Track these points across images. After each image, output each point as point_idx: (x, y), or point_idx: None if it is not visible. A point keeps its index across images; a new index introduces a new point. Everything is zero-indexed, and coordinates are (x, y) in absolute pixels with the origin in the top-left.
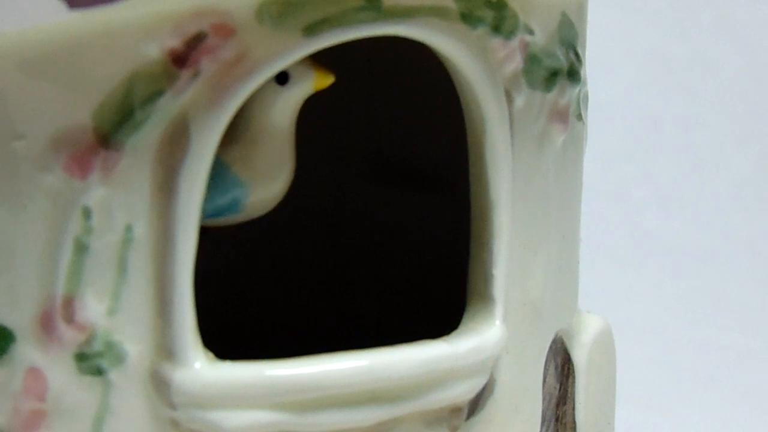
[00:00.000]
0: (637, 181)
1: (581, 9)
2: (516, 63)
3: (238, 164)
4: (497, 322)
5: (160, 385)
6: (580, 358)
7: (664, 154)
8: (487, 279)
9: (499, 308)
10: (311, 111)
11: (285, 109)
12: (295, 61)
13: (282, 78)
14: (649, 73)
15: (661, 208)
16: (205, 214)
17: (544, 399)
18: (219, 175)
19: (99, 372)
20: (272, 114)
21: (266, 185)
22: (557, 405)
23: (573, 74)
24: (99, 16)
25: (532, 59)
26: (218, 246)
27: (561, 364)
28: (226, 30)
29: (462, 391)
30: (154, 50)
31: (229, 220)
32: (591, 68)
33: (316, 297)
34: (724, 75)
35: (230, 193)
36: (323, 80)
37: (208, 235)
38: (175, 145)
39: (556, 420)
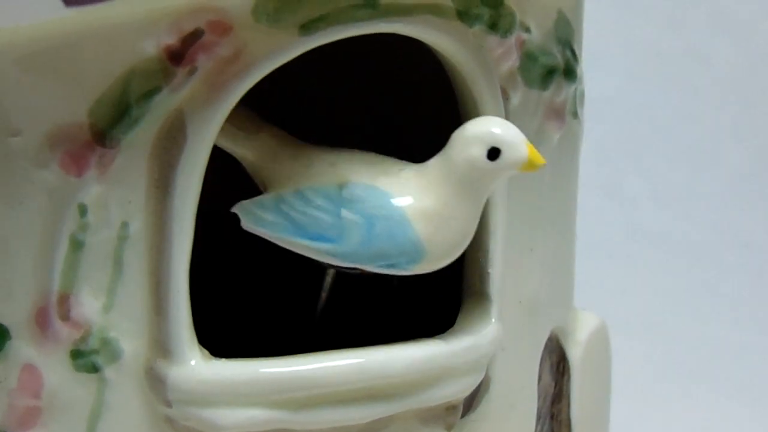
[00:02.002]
0: (631, 176)
1: (577, 7)
2: (512, 61)
3: (422, 224)
4: (493, 320)
5: (155, 382)
6: (575, 355)
7: (659, 149)
8: (482, 277)
9: (494, 306)
10: (310, 110)
11: (489, 184)
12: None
13: (493, 154)
14: (643, 68)
15: (656, 203)
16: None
17: (539, 397)
18: (400, 227)
19: (94, 369)
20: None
21: (443, 251)
22: (552, 402)
23: (569, 72)
24: (95, 13)
25: (528, 57)
26: (214, 243)
27: (556, 362)
28: (222, 27)
29: (457, 389)
30: (151, 47)
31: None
32: (585, 62)
33: (311, 295)
34: (719, 69)
35: (406, 252)
36: (534, 162)
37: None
38: (171, 142)
39: (551, 417)
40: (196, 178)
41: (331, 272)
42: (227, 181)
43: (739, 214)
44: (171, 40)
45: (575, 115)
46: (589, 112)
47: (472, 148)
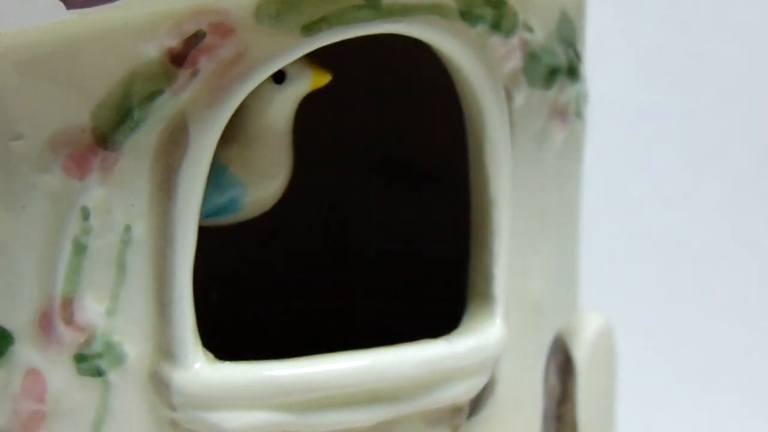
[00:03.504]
0: (635, 177)
1: (580, 7)
2: (515, 61)
3: (236, 164)
4: (498, 321)
5: (159, 386)
6: (580, 356)
7: (663, 151)
8: (487, 278)
9: (499, 307)
10: (310, 111)
11: (282, 109)
12: (292, 61)
13: (279, 77)
14: (645, 69)
15: (660, 203)
16: (204, 214)
17: (544, 398)
18: (217, 174)
19: (98, 373)
20: (269, 113)
21: (264, 184)
22: (558, 404)
23: (572, 72)
24: (97, 15)
25: (531, 57)
26: (218, 246)
27: (561, 363)
28: (224, 29)
29: (463, 391)
30: (153, 50)
31: (228, 220)
32: (587, 63)
33: (316, 297)
34: (722, 70)
35: (228, 193)
36: (320, 79)
37: (206, 236)
38: (173, 145)
39: (557, 419)
40: (199, 181)
41: None
42: None
43: (744, 215)
44: (173, 42)
45: (579, 114)
46: (592, 113)
47: None
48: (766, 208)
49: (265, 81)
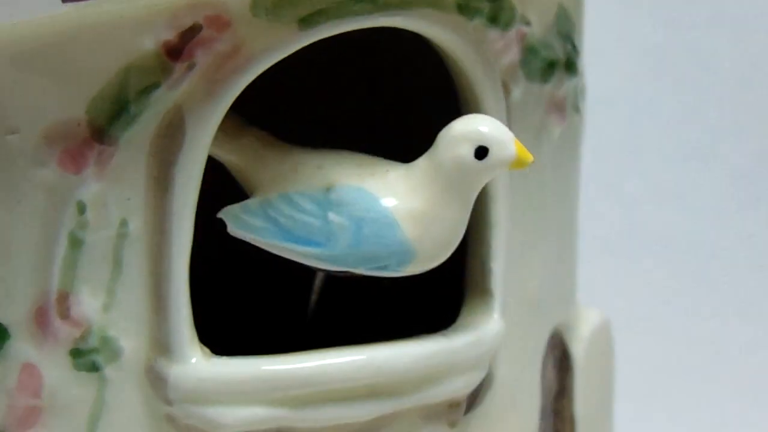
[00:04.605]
0: (632, 174)
1: (578, 1)
2: (513, 54)
3: (413, 228)
4: (495, 316)
5: (156, 381)
6: (578, 351)
7: (660, 147)
8: (485, 273)
9: (497, 302)
10: (308, 109)
11: (478, 184)
12: (495, 136)
13: (481, 153)
14: (643, 66)
15: (657, 200)
16: (361, 266)
17: (542, 393)
18: (387, 231)
19: (94, 368)
20: (463, 185)
21: (436, 254)
22: (556, 399)
23: (570, 66)
24: (93, 8)
25: (529, 51)
26: (215, 240)
27: (559, 358)
28: (221, 22)
29: (460, 386)
30: (149, 43)
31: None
32: (585, 59)
33: (310, 292)
34: (720, 67)
35: (396, 256)
36: (524, 158)
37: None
38: (170, 139)
39: (555, 414)
40: (196, 175)
41: (320, 275)
42: (227, 178)
43: (741, 212)
44: (169, 35)
45: (577, 108)
46: (589, 110)
47: (460, 148)
48: (763, 205)
49: (467, 153)
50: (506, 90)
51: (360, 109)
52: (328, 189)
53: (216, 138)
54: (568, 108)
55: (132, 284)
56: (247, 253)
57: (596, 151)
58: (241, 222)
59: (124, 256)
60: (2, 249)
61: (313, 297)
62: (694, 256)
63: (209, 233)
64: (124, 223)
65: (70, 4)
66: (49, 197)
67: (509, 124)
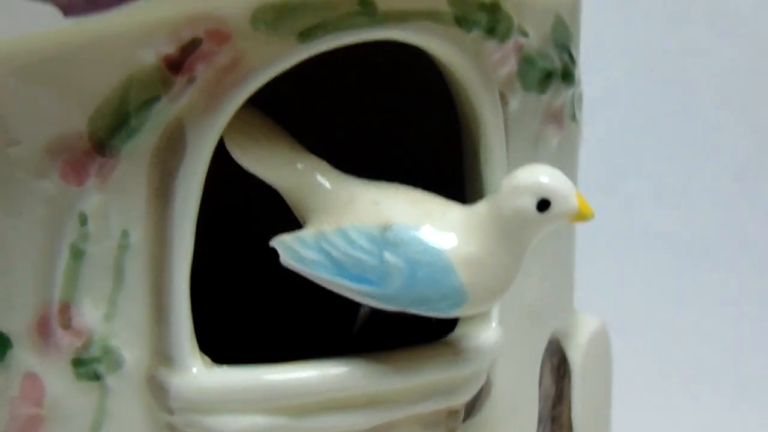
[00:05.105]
0: (631, 175)
1: (575, 10)
2: (510, 65)
3: (469, 275)
4: (493, 325)
5: (157, 390)
6: (576, 358)
7: (658, 147)
8: None
9: (495, 310)
10: (306, 118)
11: (538, 235)
12: (557, 190)
13: (543, 205)
14: (642, 65)
15: (656, 202)
16: (411, 306)
17: (540, 400)
18: (442, 276)
19: (96, 377)
20: (524, 236)
21: (486, 300)
22: (553, 405)
23: (567, 76)
24: (94, 22)
25: (526, 61)
26: (216, 250)
27: (557, 365)
28: (220, 36)
29: (459, 394)
30: (150, 56)
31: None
32: (583, 59)
33: (312, 301)
34: (719, 66)
35: (448, 299)
36: (585, 212)
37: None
38: (170, 151)
39: (552, 420)
40: (196, 187)
41: (367, 308)
42: (228, 187)
43: (740, 213)
44: (170, 49)
45: (574, 118)
46: (587, 110)
47: (522, 199)
48: (763, 205)
49: (529, 204)
50: (504, 101)
51: (357, 118)
52: (385, 228)
53: (270, 164)
54: (565, 117)
55: (133, 295)
56: (248, 262)
57: (593, 153)
58: (294, 253)
59: (125, 267)
60: (4, 259)
61: (357, 327)
62: (692, 258)
63: (210, 242)
64: (125, 235)
65: (72, 19)
66: (51, 209)
67: (507, 134)
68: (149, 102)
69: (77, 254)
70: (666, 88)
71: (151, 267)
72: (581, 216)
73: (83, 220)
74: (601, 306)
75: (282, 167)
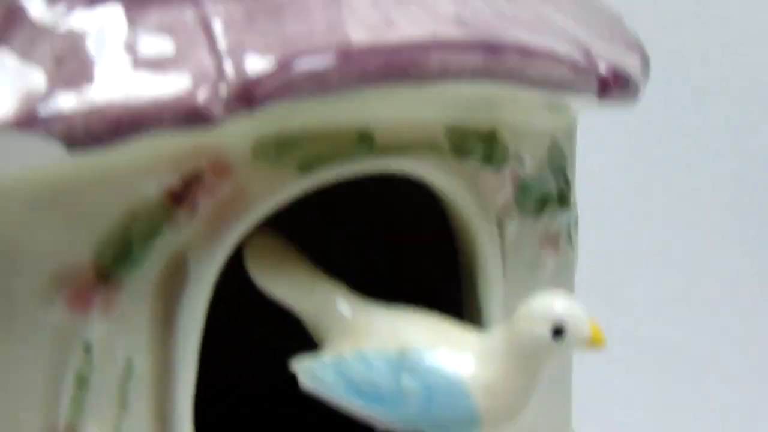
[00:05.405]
0: (630, 176)
1: (570, 132)
2: (507, 192)
3: (483, 399)
4: None
5: None
6: None
7: (660, 147)
8: None
9: None
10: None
11: (553, 361)
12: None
13: (558, 331)
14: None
15: (655, 203)
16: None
17: None
18: (457, 400)
19: None
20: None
21: (499, 426)
22: None
23: (563, 199)
24: (98, 156)
25: (522, 187)
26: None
27: None
28: (222, 168)
29: None
30: (153, 189)
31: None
32: None
33: (322, 420)
34: (719, 67)
35: (460, 425)
36: (598, 339)
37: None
38: (173, 281)
39: None
40: (199, 316)
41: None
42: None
43: (739, 214)
44: (172, 181)
45: (570, 241)
46: (588, 113)
47: (537, 326)
48: (762, 207)
49: (544, 332)
50: (501, 227)
51: (354, 246)
52: (402, 352)
53: (291, 289)
54: (561, 241)
55: (137, 422)
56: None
57: (592, 154)
58: (313, 377)
59: (129, 394)
60: (9, 386)
61: None
62: (690, 268)
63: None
64: (129, 362)
65: (76, 154)
66: (56, 337)
67: (504, 260)
68: (152, 234)
69: (82, 382)
70: (665, 88)
71: (155, 394)
72: (594, 343)
73: (87, 349)
74: (601, 306)
75: (302, 292)
